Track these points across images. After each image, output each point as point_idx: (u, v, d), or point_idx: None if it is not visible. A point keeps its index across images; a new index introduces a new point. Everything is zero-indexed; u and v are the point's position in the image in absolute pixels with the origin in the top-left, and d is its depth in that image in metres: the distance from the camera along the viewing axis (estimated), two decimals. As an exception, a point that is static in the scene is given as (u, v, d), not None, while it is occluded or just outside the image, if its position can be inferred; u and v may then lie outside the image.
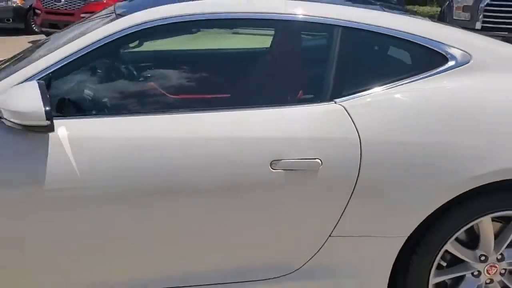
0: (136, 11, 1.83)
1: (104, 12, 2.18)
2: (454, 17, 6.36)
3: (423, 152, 1.67)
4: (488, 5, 6.00)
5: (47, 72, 1.66)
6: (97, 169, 1.58)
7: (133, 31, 1.74)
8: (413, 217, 1.70)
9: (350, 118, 1.69)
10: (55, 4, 8.31)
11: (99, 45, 1.70)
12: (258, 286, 1.76)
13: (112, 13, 1.97)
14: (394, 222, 1.71)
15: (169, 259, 1.71)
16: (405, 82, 1.78)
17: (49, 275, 1.69)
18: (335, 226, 1.71)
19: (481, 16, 6.05)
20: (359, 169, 1.66)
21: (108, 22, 1.83)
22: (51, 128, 1.52)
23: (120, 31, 1.73)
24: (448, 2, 6.83)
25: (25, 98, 1.51)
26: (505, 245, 1.80)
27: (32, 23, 9.28)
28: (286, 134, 1.67)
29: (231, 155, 1.62)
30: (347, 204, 1.68)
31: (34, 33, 9.17)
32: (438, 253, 1.77)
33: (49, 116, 1.49)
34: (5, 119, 1.53)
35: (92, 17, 2.22)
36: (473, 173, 1.65)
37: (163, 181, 1.60)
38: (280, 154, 1.63)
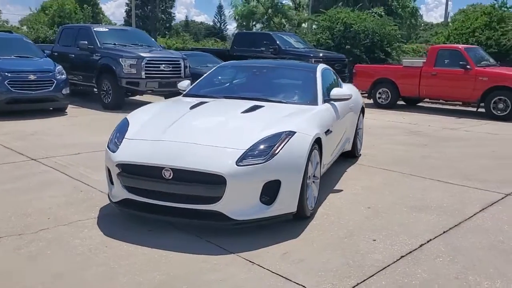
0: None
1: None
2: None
3: (353, 102, 5.79)
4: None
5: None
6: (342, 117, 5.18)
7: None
8: (356, 116, 6.17)
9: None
10: None
11: None
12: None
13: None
14: (354, 118, 6.09)
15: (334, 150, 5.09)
16: None
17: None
18: (358, 125, 6.26)
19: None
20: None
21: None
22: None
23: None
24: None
25: (343, 91, 4.99)
26: None
27: None
28: None
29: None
30: (358, 118, 6.30)
31: None
32: None
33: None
34: (334, 99, 4.94)
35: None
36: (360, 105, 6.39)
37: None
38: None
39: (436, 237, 3.74)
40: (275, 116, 4.22)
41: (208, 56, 14.84)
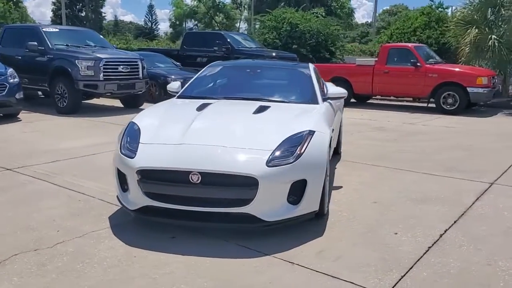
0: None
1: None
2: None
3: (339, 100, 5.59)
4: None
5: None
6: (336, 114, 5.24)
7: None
8: (341, 114, 6.26)
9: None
10: None
11: None
12: None
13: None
14: (340, 116, 5.98)
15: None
16: None
17: None
18: (341, 122, 6.17)
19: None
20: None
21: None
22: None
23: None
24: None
25: (339, 90, 5.17)
26: None
27: None
28: None
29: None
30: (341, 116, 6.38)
31: None
32: None
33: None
34: (332, 98, 5.05)
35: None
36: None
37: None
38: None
39: (450, 227, 3.90)
40: (287, 116, 4.21)
41: (159, 56, 14.49)
